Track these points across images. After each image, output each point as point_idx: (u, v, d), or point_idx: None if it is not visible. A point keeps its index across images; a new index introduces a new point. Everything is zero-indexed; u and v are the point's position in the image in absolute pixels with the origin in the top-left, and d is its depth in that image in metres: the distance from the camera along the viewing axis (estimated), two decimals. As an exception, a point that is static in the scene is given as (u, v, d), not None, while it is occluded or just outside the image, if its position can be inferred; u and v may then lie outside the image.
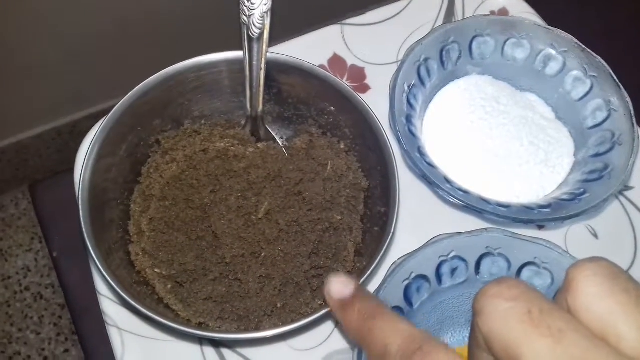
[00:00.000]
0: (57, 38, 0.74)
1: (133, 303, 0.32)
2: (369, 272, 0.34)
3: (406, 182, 0.42)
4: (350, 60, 0.49)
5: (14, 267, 1.05)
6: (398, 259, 0.36)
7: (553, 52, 0.46)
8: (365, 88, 0.48)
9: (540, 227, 0.43)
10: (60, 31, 0.73)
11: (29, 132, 0.90)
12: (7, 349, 0.95)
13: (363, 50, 0.50)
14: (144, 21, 0.76)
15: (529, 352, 0.18)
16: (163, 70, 0.40)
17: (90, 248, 0.34)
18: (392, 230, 0.35)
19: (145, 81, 0.39)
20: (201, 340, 0.38)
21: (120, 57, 0.80)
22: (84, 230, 0.34)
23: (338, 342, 0.39)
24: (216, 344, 0.38)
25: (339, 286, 0.28)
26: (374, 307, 0.26)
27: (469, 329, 0.39)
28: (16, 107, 0.85)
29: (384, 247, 0.34)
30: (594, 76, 0.44)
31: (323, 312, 0.32)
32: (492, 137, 0.44)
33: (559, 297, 0.21)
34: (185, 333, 0.32)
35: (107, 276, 0.33)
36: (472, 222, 0.42)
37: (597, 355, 0.18)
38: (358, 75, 0.49)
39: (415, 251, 0.36)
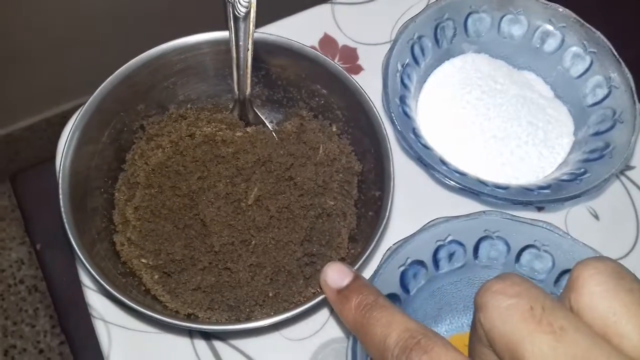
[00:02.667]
0: (45, 27, 0.72)
1: (118, 295, 0.31)
2: (363, 258, 0.32)
3: (401, 164, 0.41)
4: (341, 41, 0.47)
5: (7, 260, 1.03)
6: (393, 244, 0.34)
7: (551, 28, 0.44)
8: (358, 69, 0.47)
9: (540, 209, 0.42)
10: (47, 20, 0.71)
11: (20, 124, 0.89)
12: (2, 342, 0.94)
13: (355, 30, 0.48)
14: (132, 2, 0.74)
15: (531, 348, 0.18)
16: (146, 52, 0.38)
17: (72, 239, 0.32)
18: (386, 215, 0.34)
19: (127, 64, 0.37)
20: (191, 332, 0.37)
21: (108, 43, 0.78)
22: (64, 220, 0.33)
23: (333, 330, 0.37)
24: (207, 335, 0.37)
25: (335, 275, 0.28)
26: (372, 299, 0.26)
27: (468, 314, 0.38)
28: (5, 98, 0.83)
29: (379, 232, 0.33)
30: (593, 52, 0.43)
31: (316, 300, 0.31)
32: (489, 118, 0.42)
33: (563, 294, 0.21)
34: (173, 325, 0.31)
35: (89, 268, 0.32)
36: (469, 205, 0.41)
37: (598, 354, 0.18)
38: (350, 56, 0.47)
39: (411, 236, 0.35)
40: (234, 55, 0.38)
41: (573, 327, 0.18)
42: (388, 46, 0.47)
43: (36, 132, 0.92)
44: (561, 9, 0.44)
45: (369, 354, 0.24)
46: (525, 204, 0.37)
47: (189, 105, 0.41)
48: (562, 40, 0.44)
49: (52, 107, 0.89)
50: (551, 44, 0.44)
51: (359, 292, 0.27)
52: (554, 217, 0.42)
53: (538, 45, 0.45)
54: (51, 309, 0.99)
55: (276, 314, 0.33)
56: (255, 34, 0.38)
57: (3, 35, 0.70)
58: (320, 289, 0.35)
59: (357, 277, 0.28)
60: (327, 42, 0.48)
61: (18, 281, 1.02)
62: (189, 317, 0.35)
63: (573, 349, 0.18)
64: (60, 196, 0.33)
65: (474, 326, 0.22)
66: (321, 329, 0.37)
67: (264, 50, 0.39)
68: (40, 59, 0.77)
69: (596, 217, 0.42)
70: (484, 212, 0.36)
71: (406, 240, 0.35)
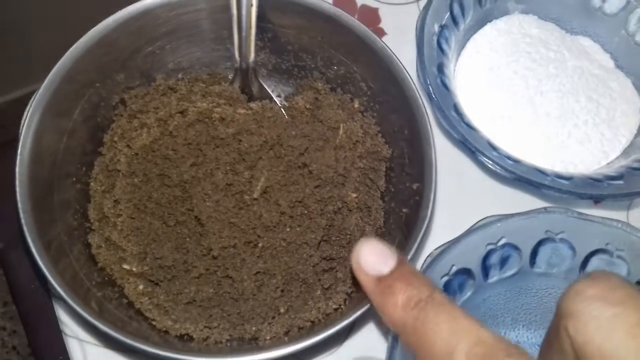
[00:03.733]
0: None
1: (88, 317, 0.25)
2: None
3: (438, 149, 0.34)
4: None
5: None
6: (435, 249, 0.29)
7: (614, -17, 0.38)
8: (380, 33, 0.41)
9: (596, 202, 0.36)
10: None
11: (6, 96, 0.85)
12: (-9, 323, 0.91)
13: (376, -14, 0.42)
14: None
15: None
16: (125, 8, 0.32)
17: (30, 241, 0.27)
18: (428, 214, 0.28)
19: (103, 22, 0.33)
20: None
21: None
22: (21, 217, 0.28)
23: (355, 348, 0.32)
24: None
25: (374, 258, 0.22)
26: (426, 294, 0.20)
27: (517, 329, 0.32)
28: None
29: (420, 235, 0.28)
30: (666, 13, 0.36)
31: (342, 324, 0.25)
32: (541, 92, 0.37)
33: None
34: (160, 357, 0.24)
35: (50, 278, 0.27)
36: (524, 200, 0.35)
37: None
38: (371, 18, 0.42)
39: (457, 239, 0.29)
40: (235, 12, 0.33)
41: None
42: (414, 7, 0.43)
43: (25, 106, 0.87)
44: (628, -40, 0.37)
45: None
46: (595, 199, 0.31)
47: (179, 75, 0.36)
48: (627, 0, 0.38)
49: (40, 80, 0.84)
50: (613, 4, 0.39)
51: (408, 282, 0.21)
52: (614, 213, 0.36)
53: (597, 6, 0.39)
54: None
55: (289, 335, 0.29)
56: (261, -14, 0.33)
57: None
58: (344, 303, 0.30)
59: (403, 261, 0.22)
60: (343, 0, 0.42)
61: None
62: (181, 338, 0.30)
63: None
64: (17, 187, 0.28)
65: (556, 337, 0.18)
66: (341, 346, 0.32)
67: (272, 7, 0.34)
68: (27, 29, 0.72)
69: (663, 211, 0.36)
70: (545, 208, 0.30)
71: (451, 244, 0.29)
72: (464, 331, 0.19)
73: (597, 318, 0.17)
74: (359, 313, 0.26)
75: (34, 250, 0.27)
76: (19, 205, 0.28)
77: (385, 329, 0.32)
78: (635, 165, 0.33)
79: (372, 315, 0.33)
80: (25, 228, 0.27)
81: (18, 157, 0.29)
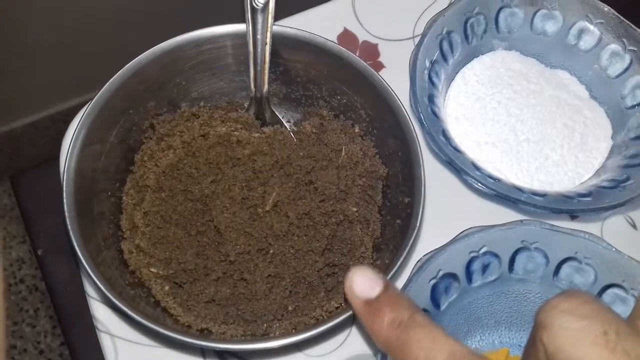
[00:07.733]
0: (49, 20, 0.70)
1: (125, 309, 0.29)
2: (394, 270, 0.30)
3: (428, 169, 0.38)
4: (362, 36, 0.45)
5: (8, 259, 1.01)
6: (424, 256, 0.32)
7: (588, 24, 0.41)
8: (379, 66, 0.44)
9: (573, 217, 0.40)
10: (53, 10, 0.69)
11: (22, 120, 0.86)
12: (2, 342, 0.92)
13: (376, 25, 0.45)
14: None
15: None
16: (158, 46, 0.36)
17: (76, 246, 0.30)
18: (417, 224, 0.31)
19: (138, 57, 0.35)
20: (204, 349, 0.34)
21: (116, 35, 0.75)
22: (68, 226, 0.31)
23: (356, 345, 0.35)
24: (221, 351, 0.34)
25: (363, 284, 0.24)
26: (407, 315, 0.23)
27: (500, 330, 0.36)
28: (7, 94, 0.80)
29: (410, 242, 0.31)
30: (633, 50, 0.40)
31: (342, 317, 0.29)
32: (522, 119, 0.40)
33: (631, 319, 0.20)
34: (185, 343, 0.28)
35: (95, 278, 0.29)
36: (503, 214, 0.38)
37: None
38: (371, 53, 0.45)
39: (444, 246, 0.32)
40: (251, 49, 0.36)
41: None
42: (410, 42, 0.45)
43: (40, 130, 0.90)
44: (599, 4, 0.41)
45: None
46: (566, 213, 0.34)
47: (202, 103, 0.39)
48: (600, 38, 0.41)
49: (56, 104, 0.87)
50: (587, 41, 0.42)
51: (392, 305, 0.23)
52: (589, 226, 0.39)
53: (573, 43, 0.42)
54: (52, 309, 0.96)
55: (296, 330, 0.31)
56: (274, 27, 0.36)
57: (6, 29, 0.68)
58: (344, 302, 0.33)
59: (388, 286, 0.24)
60: (346, 37, 0.45)
61: (18, 280, 1.00)
62: (202, 332, 0.33)
63: None
64: (64, 199, 0.31)
65: (533, 346, 0.20)
66: (343, 343, 0.35)
67: (283, 45, 0.37)
68: (45, 52, 0.74)
69: (634, 226, 0.40)
70: (521, 221, 0.33)
71: (438, 251, 0.32)
72: (440, 346, 0.21)
73: (567, 329, 0.18)
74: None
75: (79, 253, 0.30)
76: (66, 214, 0.30)
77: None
78: (604, 184, 0.37)
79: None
80: (71, 234, 0.30)
81: (64, 175, 0.31)
